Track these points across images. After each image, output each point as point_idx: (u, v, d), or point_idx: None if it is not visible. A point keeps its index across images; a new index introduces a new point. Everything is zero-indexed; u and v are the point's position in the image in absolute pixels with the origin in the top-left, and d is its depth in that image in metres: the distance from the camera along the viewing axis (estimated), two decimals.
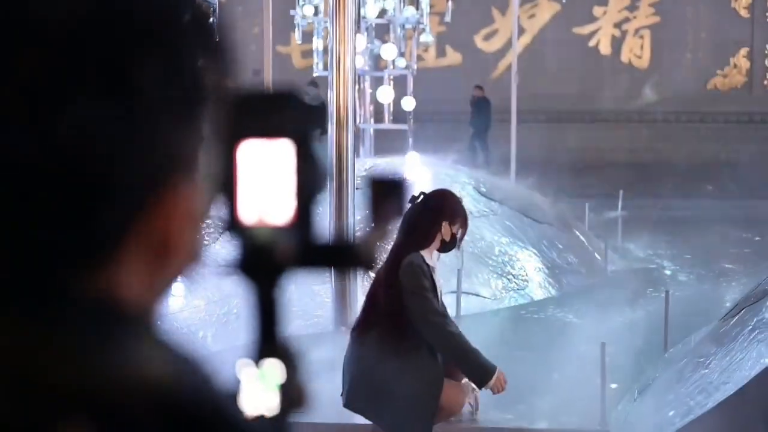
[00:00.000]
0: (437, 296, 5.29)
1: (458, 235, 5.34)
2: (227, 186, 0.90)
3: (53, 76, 0.80)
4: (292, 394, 0.89)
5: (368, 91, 15.37)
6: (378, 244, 0.96)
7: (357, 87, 13.09)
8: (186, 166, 0.87)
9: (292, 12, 13.62)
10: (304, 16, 13.39)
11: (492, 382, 5.26)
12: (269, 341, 0.92)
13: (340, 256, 0.94)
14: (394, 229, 5.16)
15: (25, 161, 0.79)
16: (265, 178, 0.89)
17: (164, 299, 0.89)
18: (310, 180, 0.90)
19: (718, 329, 6.47)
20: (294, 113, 0.90)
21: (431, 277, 5.20)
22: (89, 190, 0.81)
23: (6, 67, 0.80)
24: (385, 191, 0.99)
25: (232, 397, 0.87)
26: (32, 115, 0.79)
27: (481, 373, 5.28)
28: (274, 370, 0.90)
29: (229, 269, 0.91)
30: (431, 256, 5.26)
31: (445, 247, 5.33)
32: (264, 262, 0.91)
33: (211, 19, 0.89)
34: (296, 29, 13.60)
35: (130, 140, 0.82)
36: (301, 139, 0.90)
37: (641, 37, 24.41)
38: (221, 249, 0.93)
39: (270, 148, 0.89)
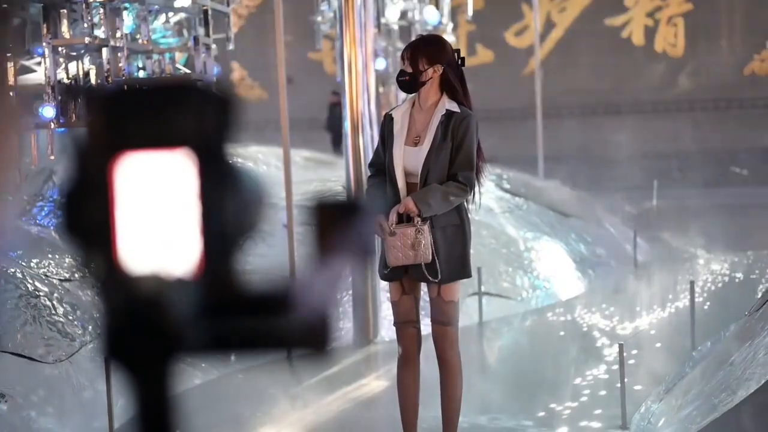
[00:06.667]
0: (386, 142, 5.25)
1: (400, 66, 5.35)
2: (102, 219, 0.60)
3: None
4: None
5: (393, 93, 15.20)
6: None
7: (380, 90, 12.94)
8: None
9: (311, 18, 13.50)
10: (323, 22, 13.28)
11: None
12: None
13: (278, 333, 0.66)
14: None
15: None
16: (157, 207, 0.58)
17: None
18: (225, 209, 0.59)
19: (743, 324, 6.25)
20: (194, 110, 0.59)
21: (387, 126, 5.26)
22: None
23: None
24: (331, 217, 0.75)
25: None
26: None
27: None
28: None
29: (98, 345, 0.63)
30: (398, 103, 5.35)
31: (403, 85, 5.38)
32: (150, 338, 0.59)
33: None
34: (316, 35, 13.48)
35: None
36: (207, 148, 0.58)
37: (674, 25, 24.03)
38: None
39: (163, 163, 0.58)
